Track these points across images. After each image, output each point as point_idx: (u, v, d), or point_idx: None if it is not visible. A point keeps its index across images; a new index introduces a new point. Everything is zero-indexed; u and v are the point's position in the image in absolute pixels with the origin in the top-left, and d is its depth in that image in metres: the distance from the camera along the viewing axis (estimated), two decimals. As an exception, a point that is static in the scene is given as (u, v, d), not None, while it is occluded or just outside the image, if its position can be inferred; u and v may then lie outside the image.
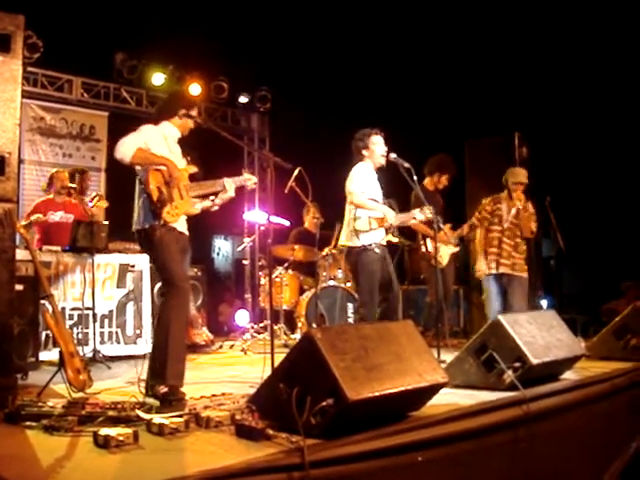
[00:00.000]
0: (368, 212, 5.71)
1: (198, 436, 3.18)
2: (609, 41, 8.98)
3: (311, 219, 8.55)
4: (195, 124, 4.57)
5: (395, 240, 6.04)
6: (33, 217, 6.54)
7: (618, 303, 8.64)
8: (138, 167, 4.34)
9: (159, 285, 4.41)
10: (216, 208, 4.71)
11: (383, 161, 5.83)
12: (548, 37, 9.20)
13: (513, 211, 6.92)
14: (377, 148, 5.83)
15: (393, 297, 5.78)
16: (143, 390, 4.23)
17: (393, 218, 5.73)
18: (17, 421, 3.42)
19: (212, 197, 4.72)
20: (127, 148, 4.25)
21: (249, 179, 4.83)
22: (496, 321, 4.46)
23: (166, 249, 4.26)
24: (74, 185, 7.09)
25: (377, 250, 5.69)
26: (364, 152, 5.85)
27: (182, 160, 4.57)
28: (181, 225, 4.45)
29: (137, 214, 4.36)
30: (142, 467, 2.75)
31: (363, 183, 5.74)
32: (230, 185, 4.64)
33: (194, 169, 4.61)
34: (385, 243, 5.86)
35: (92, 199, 6.72)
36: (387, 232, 5.84)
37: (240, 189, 4.83)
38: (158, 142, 4.40)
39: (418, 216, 5.83)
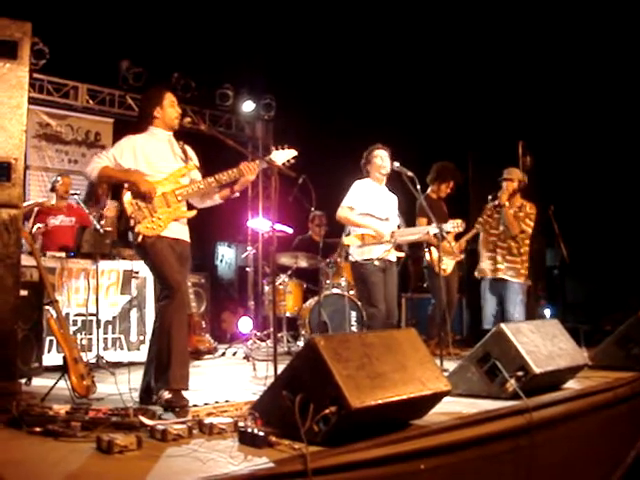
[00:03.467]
0: (355, 228, 5.80)
1: (201, 443, 3.17)
2: (613, 49, 8.99)
3: (315, 227, 8.59)
4: (176, 115, 4.45)
5: (401, 255, 6.03)
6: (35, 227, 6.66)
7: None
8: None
9: (158, 291, 4.37)
10: (237, 195, 4.62)
11: (384, 172, 5.89)
12: (552, 46, 9.20)
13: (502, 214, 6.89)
14: (377, 160, 5.91)
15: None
16: (137, 399, 4.26)
17: (382, 234, 5.73)
18: (21, 426, 3.43)
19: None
20: (91, 168, 4.32)
21: (275, 159, 4.53)
22: (499, 330, 4.45)
23: (159, 255, 4.25)
24: (78, 192, 7.11)
25: (376, 263, 5.69)
26: (367, 167, 5.97)
27: (178, 162, 4.48)
28: (175, 232, 4.37)
29: None
30: (145, 473, 2.75)
31: (355, 199, 5.83)
32: (249, 168, 4.46)
33: (194, 169, 4.55)
34: (392, 258, 5.85)
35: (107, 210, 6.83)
36: (392, 248, 5.81)
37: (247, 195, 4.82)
38: (137, 153, 4.34)
39: (432, 231, 5.90)
